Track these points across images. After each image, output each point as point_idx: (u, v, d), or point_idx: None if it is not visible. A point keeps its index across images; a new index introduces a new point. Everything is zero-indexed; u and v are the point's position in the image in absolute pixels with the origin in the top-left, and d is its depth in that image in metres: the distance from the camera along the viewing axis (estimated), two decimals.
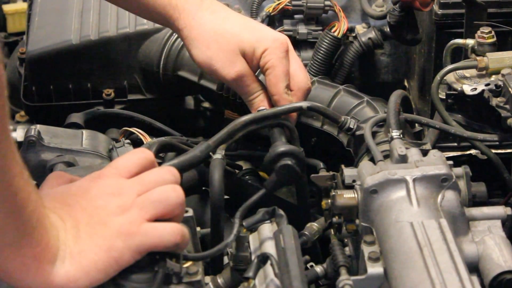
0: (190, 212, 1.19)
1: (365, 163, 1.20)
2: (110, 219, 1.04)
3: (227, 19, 1.42)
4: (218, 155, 1.31)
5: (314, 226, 1.30)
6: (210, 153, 1.32)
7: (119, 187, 1.07)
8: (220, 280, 1.24)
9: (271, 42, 1.39)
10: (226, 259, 1.30)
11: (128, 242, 1.03)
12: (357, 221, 1.16)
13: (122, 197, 1.06)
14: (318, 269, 1.20)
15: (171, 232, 1.05)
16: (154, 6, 1.42)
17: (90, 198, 1.06)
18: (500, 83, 1.37)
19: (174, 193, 1.07)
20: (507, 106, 1.34)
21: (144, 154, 1.12)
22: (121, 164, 1.11)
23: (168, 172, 1.11)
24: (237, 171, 1.54)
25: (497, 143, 1.45)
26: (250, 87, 1.40)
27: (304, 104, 1.41)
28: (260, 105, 1.40)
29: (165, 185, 1.08)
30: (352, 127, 1.39)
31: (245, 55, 1.38)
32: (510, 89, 1.33)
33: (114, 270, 1.03)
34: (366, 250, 1.10)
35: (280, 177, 1.26)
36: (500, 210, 1.18)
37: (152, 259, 1.05)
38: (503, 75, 1.37)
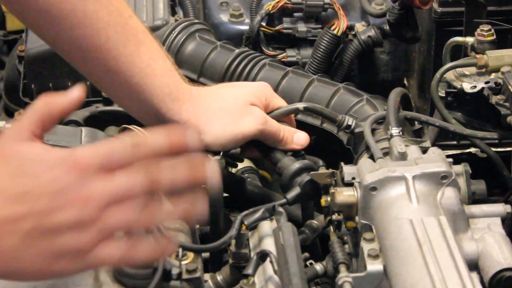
0: None
1: (364, 161, 1.19)
2: (62, 232, 0.90)
3: (216, 90, 1.39)
4: (217, 156, 1.32)
5: (313, 223, 1.30)
6: (209, 156, 1.32)
7: (88, 193, 0.90)
8: (219, 278, 1.23)
9: (264, 87, 1.41)
10: (225, 257, 1.30)
11: (75, 264, 0.92)
12: (356, 218, 1.16)
13: (87, 208, 0.90)
14: (318, 266, 1.19)
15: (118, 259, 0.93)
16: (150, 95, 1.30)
17: (50, 195, 0.90)
18: (499, 81, 1.36)
19: (146, 216, 0.93)
20: (507, 104, 1.34)
21: (143, 149, 0.94)
22: (107, 157, 0.92)
23: (148, 175, 0.93)
24: (236, 169, 1.54)
25: (497, 141, 1.45)
26: (277, 125, 1.37)
27: (301, 105, 1.42)
28: (295, 134, 1.39)
29: (141, 195, 0.92)
30: (350, 124, 1.39)
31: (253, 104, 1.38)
32: (509, 87, 1.33)
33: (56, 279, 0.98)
34: (366, 247, 1.10)
35: (305, 191, 1.27)
36: (499, 207, 1.18)
37: None
38: (502, 73, 1.37)
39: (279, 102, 1.41)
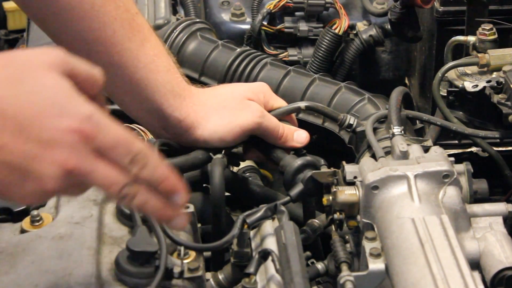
0: (191, 208, 1.19)
1: (366, 160, 1.19)
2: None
3: (214, 89, 1.40)
4: (219, 154, 1.32)
5: (315, 222, 1.30)
6: (211, 154, 1.32)
7: (72, 162, 0.87)
8: (221, 276, 1.23)
9: (262, 85, 1.42)
10: (226, 256, 1.30)
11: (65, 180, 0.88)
12: (358, 217, 1.16)
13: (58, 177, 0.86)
14: (319, 265, 1.19)
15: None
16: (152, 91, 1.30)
17: (38, 143, 0.85)
18: (501, 80, 1.36)
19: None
20: (509, 103, 1.34)
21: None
22: (113, 145, 0.89)
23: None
24: (238, 168, 1.54)
25: (499, 140, 1.45)
26: (276, 121, 1.37)
27: (302, 104, 1.43)
28: (295, 132, 1.39)
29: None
30: (352, 123, 1.39)
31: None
32: (511, 86, 1.33)
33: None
34: (368, 246, 1.10)
35: (308, 187, 1.27)
36: (501, 206, 1.18)
37: (152, 255, 1.05)
38: (504, 72, 1.37)
39: (279, 102, 1.41)
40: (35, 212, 1.15)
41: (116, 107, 1.59)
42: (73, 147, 0.86)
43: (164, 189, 0.93)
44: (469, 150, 1.57)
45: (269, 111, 1.39)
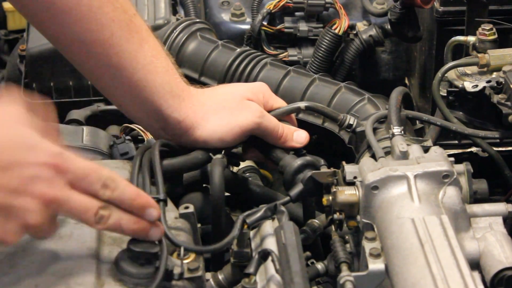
0: (191, 209, 1.19)
1: (366, 160, 1.19)
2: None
3: (213, 89, 1.40)
4: (219, 154, 1.32)
5: (315, 222, 1.30)
6: (210, 154, 1.32)
7: (51, 193, 1.00)
8: (221, 277, 1.23)
9: (262, 85, 1.42)
10: (226, 256, 1.30)
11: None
12: (358, 217, 1.16)
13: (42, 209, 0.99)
14: (319, 266, 1.20)
15: None
16: (151, 92, 1.30)
17: (21, 179, 0.97)
18: (501, 80, 1.37)
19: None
20: (509, 103, 1.34)
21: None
22: (84, 177, 1.02)
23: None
24: (238, 168, 1.54)
25: (498, 140, 1.45)
26: (276, 121, 1.37)
27: (302, 104, 1.43)
28: (295, 132, 1.39)
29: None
30: (351, 123, 1.39)
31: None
32: (511, 86, 1.33)
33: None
34: (367, 246, 1.10)
35: (308, 187, 1.26)
36: (501, 206, 1.18)
37: (153, 255, 1.05)
38: (504, 72, 1.37)
39: (278, 102, 1.41)
40: None
41: (115, 107, 1.60)
42: (51, 180, 0.98)
43: (137, 206, 1.04)
44: (469, 150, 1.57)
45: (269, 111, 1.39)
